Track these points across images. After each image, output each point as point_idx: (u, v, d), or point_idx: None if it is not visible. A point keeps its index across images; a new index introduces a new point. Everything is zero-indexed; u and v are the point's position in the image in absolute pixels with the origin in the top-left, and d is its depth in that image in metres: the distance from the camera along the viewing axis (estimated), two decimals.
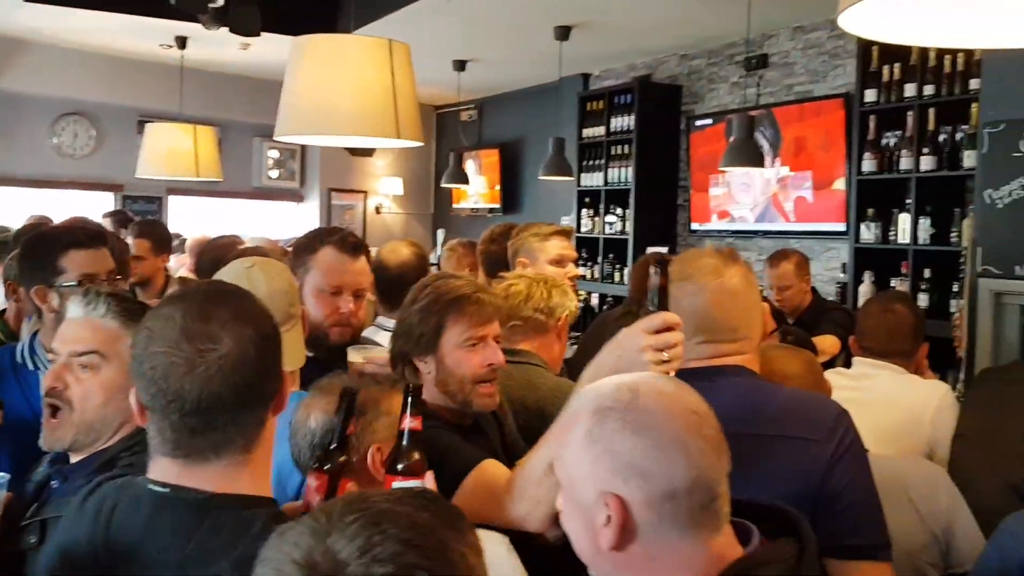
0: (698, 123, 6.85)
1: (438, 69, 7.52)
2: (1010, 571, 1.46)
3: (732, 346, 1.68)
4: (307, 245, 2.25)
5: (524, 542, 1.56)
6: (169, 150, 5.90)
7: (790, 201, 6.16)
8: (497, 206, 8.93)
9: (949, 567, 1.90)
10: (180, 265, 5.93)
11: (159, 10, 5.84)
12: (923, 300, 4.86)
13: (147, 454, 1.64)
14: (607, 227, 7.31)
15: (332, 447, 1.43)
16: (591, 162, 7.45)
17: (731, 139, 5.26)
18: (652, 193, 7.05)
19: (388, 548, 0.79)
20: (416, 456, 1.41)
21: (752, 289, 1.73)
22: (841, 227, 5.70)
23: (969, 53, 4.67)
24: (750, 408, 1.57)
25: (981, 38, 1.43)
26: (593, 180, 7.43)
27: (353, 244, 2.25)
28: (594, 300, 7.39)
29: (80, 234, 2.35)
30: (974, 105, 4.37)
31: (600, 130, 7.32)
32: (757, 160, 5.04)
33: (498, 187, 8.92)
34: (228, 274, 1.94)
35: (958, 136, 4.84)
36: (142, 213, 7.90)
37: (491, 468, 1.68)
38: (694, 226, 6.88)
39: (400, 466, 1.41)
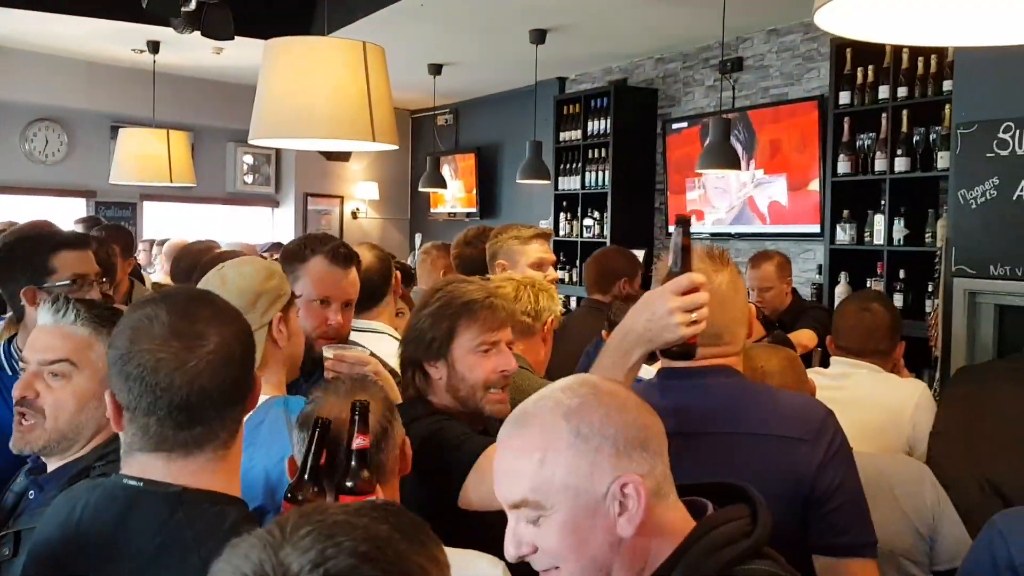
0: (674, 126, 6.87)
1: (414, 73, 7.50)
2: (999, 570, 1.47)
3: (717, 349, 1.68)
4: (297, 253, 2.20)
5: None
6: (142, 155, 5.84)
7: (765, 203, 6.19)
8: (474, 210, 8.91)
9: (934, 564, 1.91)
10: (153, 267, 5.88)
11: (131, 14, 5.78)
12: (898, 300, 4.90)
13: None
14: (585, 230, 7.31)
15: (304, 478, 1.40)
16: (568, 166, 7.46)
17: (707, 142, 5.28)
18: (629, 196, 7.07)
19: (341, 562, 0.76)
20: (365, 474, 1.40)
21: (739, 293, 1.73)
22: (816, 228, 5.74)
23: (942, 55, 4.71)
24: (739, 407, 1.57)
25: (955, 36, 1.43)
26: (570, 184, 7.43)
27: (345, 255, 2.21)
28: (572, 303, 7.40)
29: (70, 234, 2.35)
30: (947, 106, 4.41)
31: (576, 133, 7.33)
32: (733, 162, 5.06)
33: (475, 191, 8.90)
34: (207, 279, 1.91)
35: (931, 137, 4.88)
36: (115, 219, 7.82)
37: None
38: (671, 229, 6.89)
39: (349, 484, 1.39)
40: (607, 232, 7.04)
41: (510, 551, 1.13)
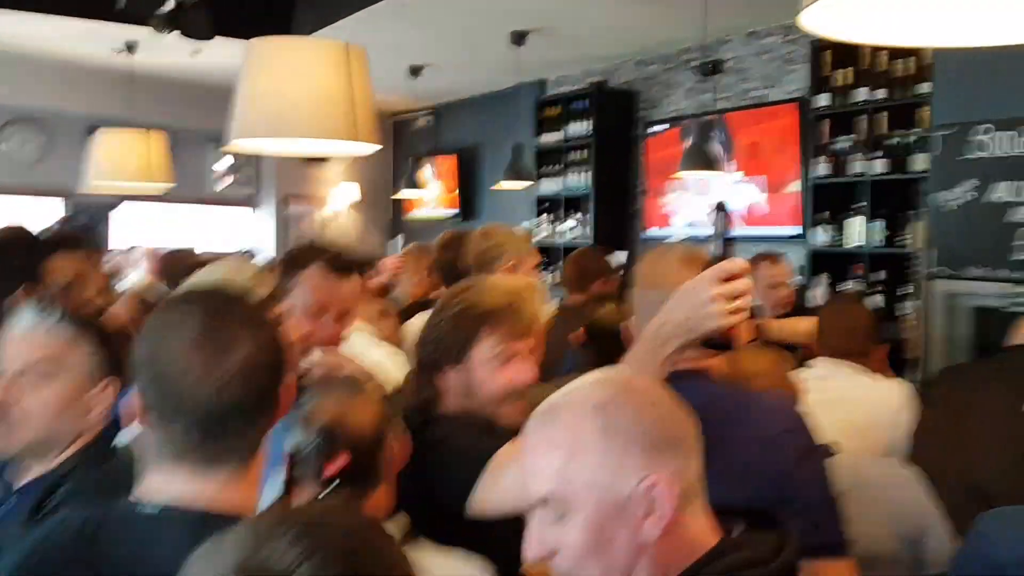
0: (654, 128, 6.89)
1: (393, 75, 7.48)
2: (988, 572, 1.48)
3: (694, 351, 1.68)
4: (298, 260, 2.18)
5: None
6: (119, 157, 5.78)
7: (743, 205, 6.22)
8: (455, 212, 8.90)
9: (921, 570, 1.91)
10: (119, 270, 5.81)
11: (108, 14, 5.73)
12: (876, 302, 4.94)
13: (99, 469, 1.59)
14: (565, 233, 7.32)
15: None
16: (548, 168, 7.47)
17: (687, 144, 5.30)
18: (610, 198, 7.09)
19: (332, 551, 0.76)
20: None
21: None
22: (795, 230, 5.77)
23: (919, 58, 4.76)
24: (713, 410, 1.56)
25: (936, 36, 1.44)
26: (551, 186, 7.44)
27: (344, 264, 2.16)
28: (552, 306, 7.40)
29: (65, 237, 2.32)
30: (924, 109, 4.45)
31: (557, 136, 7.34)
32: (712, 164, 5.09)
33: (456, 193, 8.89)
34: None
35: (909, 139, 4.93)
36: (93, 220, 7.75)
37: (514, 449, 1.62)
38: (651, 231, 6.92)
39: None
40: (588, 234, 7.05)
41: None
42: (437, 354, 1.79)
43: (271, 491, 1.52)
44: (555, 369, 2.69)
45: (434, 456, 1.66)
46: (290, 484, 1.36)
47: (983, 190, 3.44)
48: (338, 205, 9.76)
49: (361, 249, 3.46)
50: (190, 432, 1.17)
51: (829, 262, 5.28)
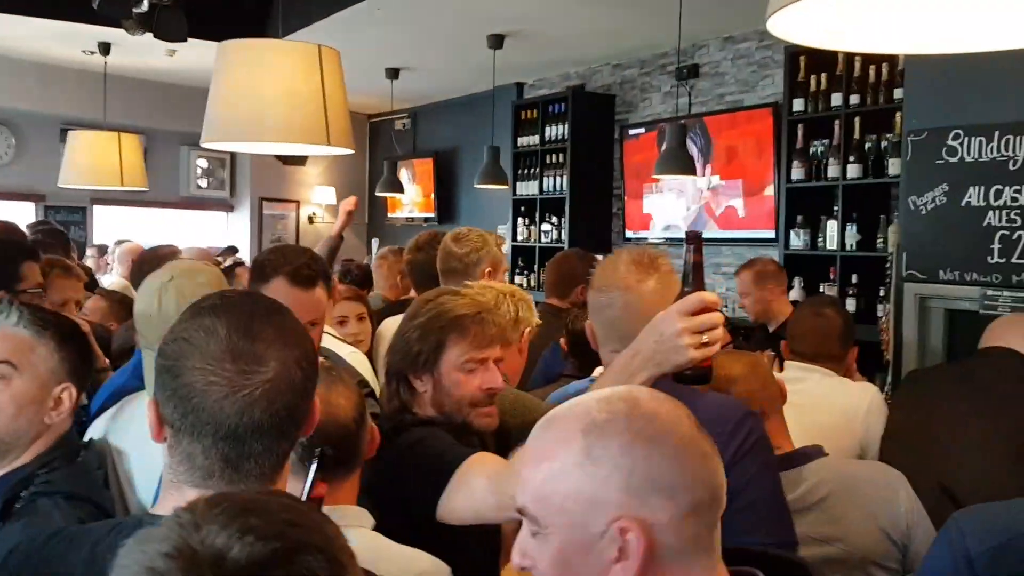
0: (631, 132, 6.91)
1: (371, 77, 7.46)
2: (957, 564, 1.48)
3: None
4: (261, 271, 2.16)
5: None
6: (92, 159, 5.72)
7: (721, 209, 6.25)
8: (432, 215, 8.89)
9: (907, 571, 1.91)
10: (97, 270, 5.76)
11: (81, 15, 5.67)
12: (851, 305, 4.97)
13: (69, 466, 1.57)
14: (543, 236, 7.32)
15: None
16: (526, 171, 7.47)
17: (663, 147, 5.31)
18: (587, 201, 7.09)
19: (269, 527, 0.75)
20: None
21: (667, 299, 1.67)
22: (771, 234, 5.80)
23: (893, 63, 4.79)
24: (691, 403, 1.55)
25: (905, 44, 1.45)
26: (528, 189, 7.44)
27: (307, 276, 2.13)
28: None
29: (41, 241, 2.30)
30: (898, 114, 4.48)
31: (534, 139, 7.34)
32: (689, 168, 5.10)
33: (433, 196, 8.88)
34: (146, 286, 1.87)
35: (883, 144, 4.96)
36: (65, 224, 7.67)
37: (487, 458, 1.62)
38: (628, 234, 6.94)
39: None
40: (565, 237, 7.05)
41: (514, 559, 1.01)
42: (406, 363, 1.82)
43: None
44: (528, 373, 2.69)
45: (406, 460, 1.66)
46: (318, 493, 1.35)
47: (954, 195, 3.47)
48: (314, 207, 9.71)
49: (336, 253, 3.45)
50: (209, 452, 1.11)
51: (804, 265, 5.31)
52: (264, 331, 1.13)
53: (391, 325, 3.16)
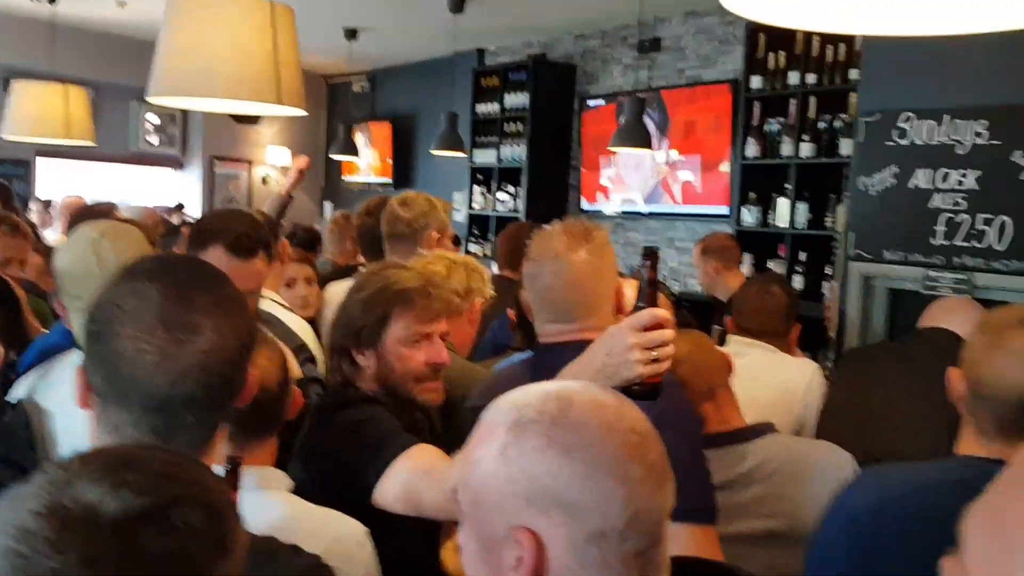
0: (591, 103, 6.89)
1: (329, 37, 7.33)
2: (841, 523, 1.53)
3: (572, 326, 1.68)
4: (200, 238, 2.10)
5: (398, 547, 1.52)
6: (37, 110, 5.54)
7: (678, 183, 6.28)
8: (389, 180, 8.80)
9: None
10: (44, 223, 5.63)
11: None
12: (798, 282, 5.05)
13: (5, 434, 1.53)
14: (499, 205, 7.30)
15: None
16: (484, 139, 7.43)
17: (621, 120, 5.31)
18: (545, 172, 7.08)
19: (144, 482, 0.73)
20: None
21: (598, 270, 1.69)
22: (725, 210, 5.85)
23: (850, 44, 4.83)
24: None
25: (860, 24, 1.46)
26: (486, 157, 7.40)
27: (246, 246, 2.06)
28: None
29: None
30: (852, 95, 4.53)
31: (494, 107, 7.29)
32: (645, 142, 5.11)
33: (390, 161, 8.79)
34: (75, 244, 1.82)
35: (836, 125, 5.01)
36: (8, 177, 7.46)
37: (426, 451, 1.60)
38: (585, 205, 6.95)
39: None
40: (521, 207, 7.04)
41: (459, 536, 0.97)
42: (349, 337, 1.78)
43: None
44: (479, 343, 2.69)
45: (349, 439, 1.63)
46: (235, 457, 1.33)
47: (903, 177, 3.52)
48: (269, 168, 9.56)
49: (289, 216, 3.39)
50: (138, 423, 1.06)
51: (755, 242, 5.37)
52: (201, 299, 1.08)
53: (337, 289, 3.13)
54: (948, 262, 3.37)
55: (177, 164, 9.38)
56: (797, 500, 1.81)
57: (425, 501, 1.49)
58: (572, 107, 7.11)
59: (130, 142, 9.00)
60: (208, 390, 1.06)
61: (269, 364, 1.52)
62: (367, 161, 8.97)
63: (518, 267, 3.68)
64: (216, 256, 2.04)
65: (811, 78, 5.11)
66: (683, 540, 1.46)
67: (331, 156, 8.26)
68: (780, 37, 5.18)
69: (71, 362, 1.70)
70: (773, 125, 5.37)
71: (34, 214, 6.68)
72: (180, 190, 9.22)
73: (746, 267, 5.30)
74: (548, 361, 1.71)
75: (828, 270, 4.93)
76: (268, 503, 1.43)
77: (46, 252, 3.77)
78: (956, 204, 3.37)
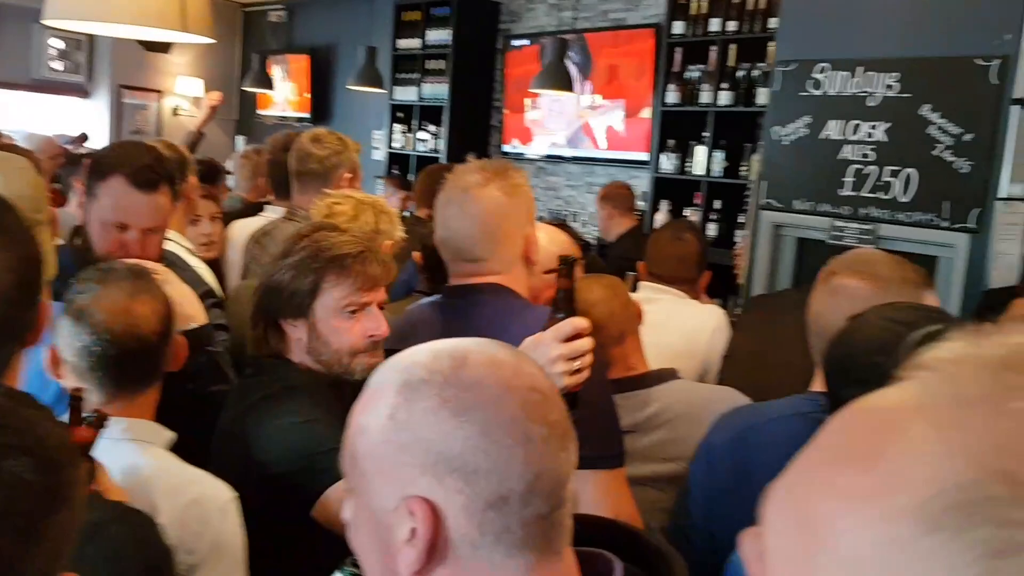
0: (515, 43, 6.80)
1: None
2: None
3: (478, 266, 1.65)
4: (98, 168, 1.99)
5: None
6: None
7: (601, 128, 6.27)
8: (306, 115, 8.57)
9: None
10: None
11: None
12: (712, 230, 5.12)
13: None
14: (419, 144, 7.19)
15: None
16: (405, 75, 7.27)
17: (544, 62, 5.26)
18: (467, 111, 6.99)
19: None
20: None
21: (506, 209, 1.65)
22: (645, 156, 5.87)
23: None
24: (499, 329, 1.54)
25: None
26: (406, 94, 7.26)
27: (148, 179, 1.95)
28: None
29: None
30: (771, 44, 4.56)
31: (416, 42, 7.14)
32: (567, 85, 5.08)
33: (307, 95, 8.56)
34: None
35: (755, 73, 5.05)
36: None
37: None
38: (505, 147, 6.89)
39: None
40: (442, 147, 6.95)
41: (344, 512, 0.91)
42: (276, 305, 1.64)
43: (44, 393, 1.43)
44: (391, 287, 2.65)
45: (288, 439, 1.53)
46: (76, 392, 1.25)
47: (815, 127, 3.57)
48: (179, 99, 9.20)
49: (201, 149, 3.25)
50: None
51: (672, 189, 5.42)
52: None
53: (242, 228, 3.04)
54: (855, 213, 3.45)
55: (82, 92, 8.96)
56: (695, 444, 1.86)
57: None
58: (496, 46, 7.01)
59: (32, 68, 8.55)
60: None
61: (148, 312, 1.46)
62: (283, 95, 8.71)
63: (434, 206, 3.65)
64: (116, 186, 1.95)
65: (732, 25, 5.13)
66: (597, 485, 1.49)
67: (244, 89, 7.98)
68: None
69: None
70: (694, 72, 5.39)
71: None
72: (85, 120, 8.82)
73: (662, 214, 5.36)
74: (458, 304, 1.69)
75: (742, 219, 5.02)
76: (133, 455, 1.38)
77: None
78: (865, 156, 3.44)
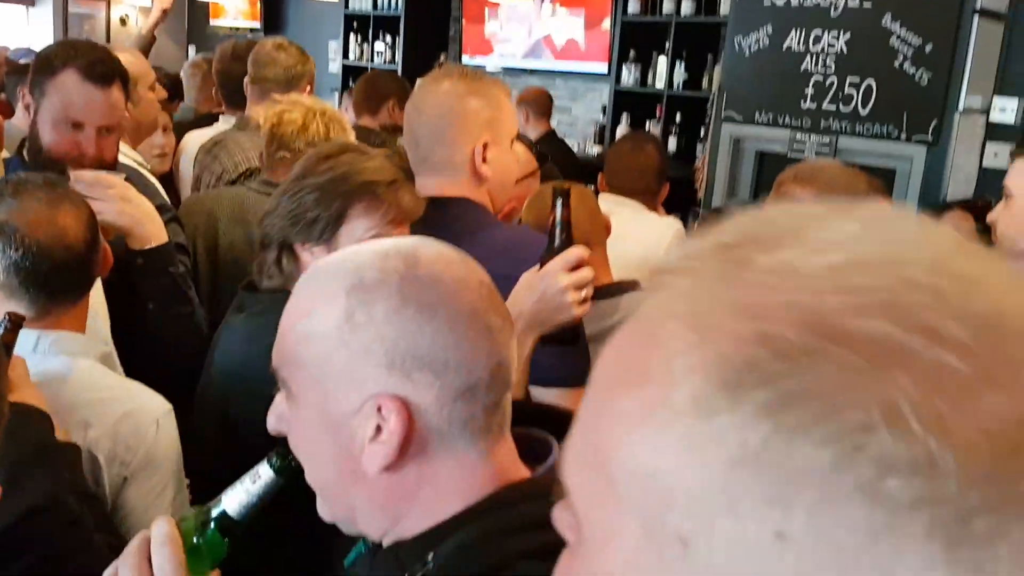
0: None
1: None
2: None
3: (425, 172, 1.60)
4: (46, 65, 1.89)
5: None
6: None
7: (562, 40, 6.15)
8: (257, 25, 8.31)
9: None
10: None
11: None
12: (672, 143, 5.10)
13: None
14: (376, 56, 7.02)
15: None
16: None
17: None
18: (424, 22, 6.82)
19: None
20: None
21: (458, 109, 1.59)
22: (604, 68, 5.79)
23: None
24: (465, 245, 1.47)
25: None
26: (362, 4, 7.06)
27: (102, 72, 1.87)
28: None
29: None
30: None
31: None
32: None
33: (259, 4, 8.28)
34: None
35: None
36: None
37: None
38: (465, 59, 6.75)
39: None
40: (399, 59, 6.79)
41: (270, 421, 0.90)
42: (295, 230, 1.50)
43: None
44: None
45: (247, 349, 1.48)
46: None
47: (777, 38, 3.54)
48: (127, 8, 8.86)
49: (151, 60, 3.11)
50: None
51: (632, 102, 5.37)
52: None
53: (196, 139, 2.96)
54: (815, 125, 3.45)
55: (27, 1, 8.58)
56: None
57: None
58: None
59: None
60: None
61: (73, 222, 1.39)
62: (235, 4, 8.42)
63: (376, 111, 3.54)
64: (69, 80, 1.86)
65: None
66: (567, 402, 1.49)
67: None
68: None
69: None
70: None
71: None
72: (30, 30, 8.47)
73: (623, 127, 5.32)
74: (428, 218, 1.63)
75: (703, 132, 5.00)
76: (64, 369, 1.35)
77: None
78: (826, 67, 3.42)
